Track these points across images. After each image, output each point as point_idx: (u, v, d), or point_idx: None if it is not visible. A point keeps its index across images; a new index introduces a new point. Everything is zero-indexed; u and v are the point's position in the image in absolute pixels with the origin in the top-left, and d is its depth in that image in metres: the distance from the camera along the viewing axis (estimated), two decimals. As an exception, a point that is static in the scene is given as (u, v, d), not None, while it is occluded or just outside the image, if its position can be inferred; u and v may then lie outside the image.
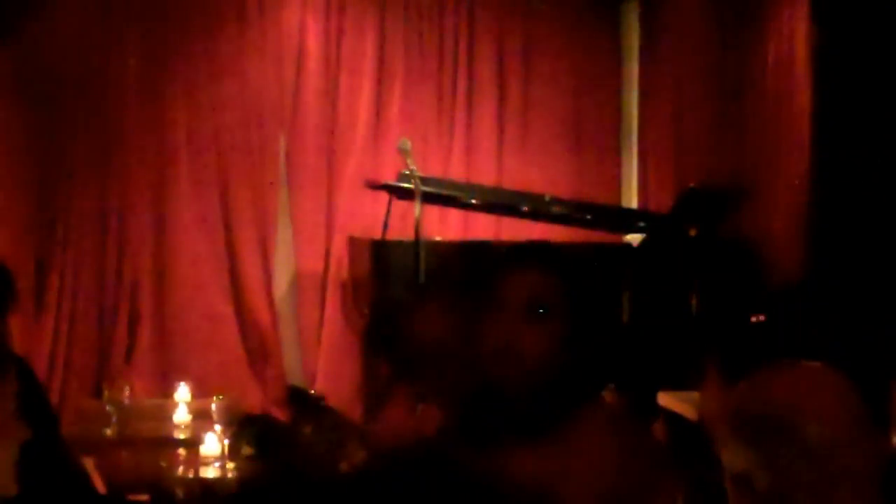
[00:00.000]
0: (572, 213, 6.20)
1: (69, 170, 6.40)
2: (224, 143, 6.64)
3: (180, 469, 4.10)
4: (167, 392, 5.30)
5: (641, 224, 6.33)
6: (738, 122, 5.77)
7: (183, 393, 4.90)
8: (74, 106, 6.40)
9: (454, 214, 6.69)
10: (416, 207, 5.19)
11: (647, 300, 5.65)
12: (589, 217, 6.25)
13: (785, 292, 4.57)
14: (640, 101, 7.06)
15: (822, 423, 1.55)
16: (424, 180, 5.48)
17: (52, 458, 3.13)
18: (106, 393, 4.72)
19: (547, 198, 6.17)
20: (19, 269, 5.76)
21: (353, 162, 6.75)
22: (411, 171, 5.27)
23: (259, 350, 6.63)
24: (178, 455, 4.34)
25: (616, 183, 7.17)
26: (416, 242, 5.17)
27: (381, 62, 6.84)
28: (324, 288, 6.72)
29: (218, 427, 4.21)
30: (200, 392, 5.02)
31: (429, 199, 5.66)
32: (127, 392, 4.74)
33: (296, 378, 6.69)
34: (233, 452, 4.03)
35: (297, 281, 6.81)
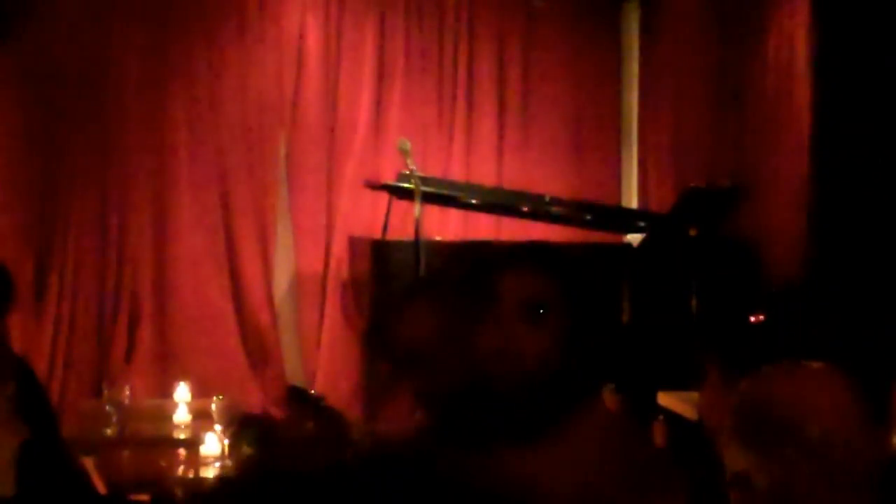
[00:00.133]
0: (572, 213, 6.20)
1: (69, 170, 6.40)
2: (224, 142, 6.63)
3: (180, 469, 4.10)
4: (167, 392, 5.30)
5: (641, 224, 6.33)
6: (738, 121, 5.77)
7: (183, 393, 4.89)
8: (74, 106, 6.40)
9: (454, 214, 6.69)
10: (416, 207, 5.19)
11: (647, 300, 5.65)
12: (589, 217, 6.25)
13: (785, 292, 4.57)
14: (640, 101, 7.06)
15: (824, 422, 1.55)
16: (424, 180, 5.48)
17: (51, 458, 3.13)
18: (106, 393, 4.72)
19: (547, 198, 6.17)
20: (19, 269, 5.77)
21: (353, 162, 6.75)
22: (411, 171, 5.27)
23: (259, 350, 6.63)
24: (178, 455, 4.34)
25: (616, 183, 7.17)
26: (416, 242, 5.17)
27: (381, 62, 6.84)
28: (324, 288, 6.72)
29: (218, 427, 4.20)
30: (200, 392, 5.01)
31: (429, 199, 5.66)
32: (127, 392, 4.73)
33: (296, 378, 6.69)
34: (233, 452, 4.02)
35: (297, 281, 6.81)
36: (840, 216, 4.80)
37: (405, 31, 6.87)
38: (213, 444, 4.04)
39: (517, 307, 2.02)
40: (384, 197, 5.98)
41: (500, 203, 6.32)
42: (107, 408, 4.53)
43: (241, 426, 4.23)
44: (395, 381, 2.38)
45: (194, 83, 6.60)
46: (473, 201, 6.27)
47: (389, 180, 5.94)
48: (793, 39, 5.22)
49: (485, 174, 6.90)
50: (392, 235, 5.93)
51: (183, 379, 5.06)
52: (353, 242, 6.53)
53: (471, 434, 2.08)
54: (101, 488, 3.63)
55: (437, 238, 6.32)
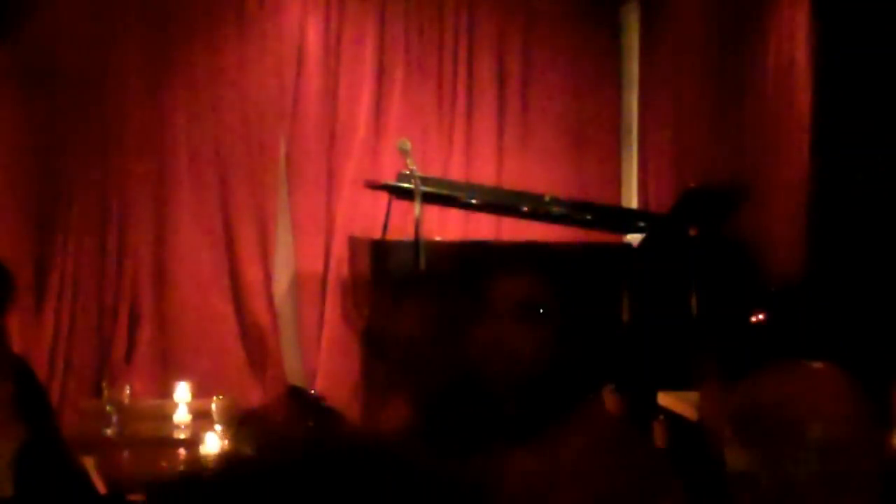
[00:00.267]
0: (572, 213, 6.20)
1: (69, 170, 6.40)
2: (224, 143, 6.63)
3: (180, 469, 4.10)
4: (167, 392, 5.30)
5: (641, 224, 6.33)
6: (737, 122, 5.77)
7: (183, 393, 4.90)
8: (74, 106, 6.40)
9: (454, 214, 6.68)
10: (416, 207, 5.19)
11: (647, 300, 5.65)
12: (589, 217, 6.25)
13: (785, 292, 4.57)
14: (640, 101, 7.06)
15: (826, 422, 1.55)
16: (424, 180, 5.48)
17: (51, 458, 3.13)
18: (106, 393, 4.72)
19: (547, 198, 6.16)
20: (19, 268, 5.76)
21: (353, 162, 6.75)
22: (411, 171, 5.27)
23: (259, 350, 6.63)
24: (178, 455, 4.34)
25: (616, 183, 7.16)
26: (416, 242, 5.17)
27: (381, 62, 6.84)
28: (324, 288, 6.72)
29: (218, 427, 4.20)
30: (200, 392, 5.02)
31: (429, 199, 5.66)
32: (127, 392, 4.74)
33: (296, 378, 6.69)
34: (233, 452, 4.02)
35: (297, 281, 6.81)
36: (840, 216, 4.80)
37: (405, 31, 6.87)
38: (213, 444, 4.04)
39: (510, 307, 2.02)
40: (384, 197, 5.98)
41: (500, 203, 6.32)
42: (107, 408, 4.54)
43: (241, 425, 4.23)
44: (389, 380, 2.38)
45: (194, 83, 6.60)
46: (473, 201, 6.27)
47: (389, 180, 5.94)
48: (793, 39, 5.22)
49: (485, 174, 6.90)
50: (392, 235, 5.93)
51: (183, 379, 5.06)
52: (353, 242, 6.53)
53: (464, 433, 2.08)
54: (101, 488, 3.63)
55: (437, 238, 6.32)
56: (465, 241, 6.52)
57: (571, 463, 1.96)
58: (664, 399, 4.50)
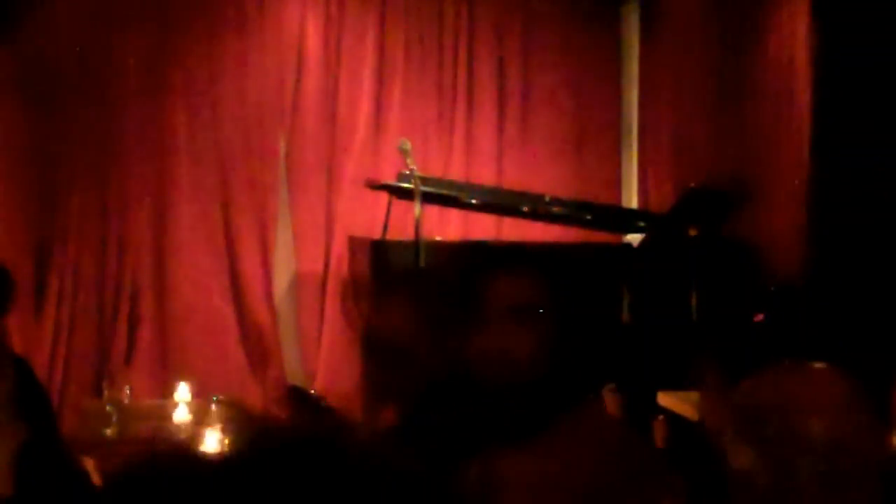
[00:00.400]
0: (572, 213, 6.20)
1: (69, 170, 6.40)
2: (224, 143, 6.63)
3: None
4: (167, 392, 5.30)
5: (641, 224, 6.33)
6: (738, 122, 5.77)
7: (183, 393, 4.90)
8: (75, 106, 6.40)
9: (454, 214, 6.69)
10: (416, 207, 5.18)
11: (647, 300, 5.65)
12: (589, 217, 6.25)
13: (785, 292, 4.57)
14: (640, 101, 7.06)
15: (826, 422, 1.55)
16: (424, 180, 5.48)
17: (51, 457, 3.13)
18: (106, 393, 4.72)
19: (547, 198, 6.17)
20: (19, 269, 5.76)
21: (353, 162, 6.75)
22: (411, 171, 5.27)
23: (259, 350, 6.63)
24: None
25: (616, 183, 7.17)
26: (417, 242, 5.17)
27: (381, 62, 6.84)
28: (324, 288, 6.72)
29: (218, 427, 4.20)
30: (200, 392, 5.02)
31: (429, 199, 5.66)
32: (127, 392, 4.74)
33: (296, 378, 6.68)
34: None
35: (297, 281, 6.81)
36: (840, 216, 4.80)
37: (405, 31, 6.87)
38: (213, 444, 4.04)
39: (510, 307, 2.02)
40: (384, 197, 5.98)
41: (500, 203, 6.32)
42: (107, 408, 4.53)
43: (241, 425, 4.22)
44: (387, 380, 2.38)
45: (194, 83, 6.60)
46: (473, 201, 6.27)
47: (389, 180, 5.94)
48: (793, 39, 5.22)
49: (485, 174, 6.90)
50: (392, 235, 5.93)
51: (183, 379, 5.06)
52: (353, 242, 6.53)
53: (464, 434, 2.08)
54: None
55: (437, 238, 6.32)
56: (465, 241, 6.52)
57: (571, 463, 1.96)
58: (664, 399, 4.51)
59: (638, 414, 4.68)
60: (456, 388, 2.15)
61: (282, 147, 6.76)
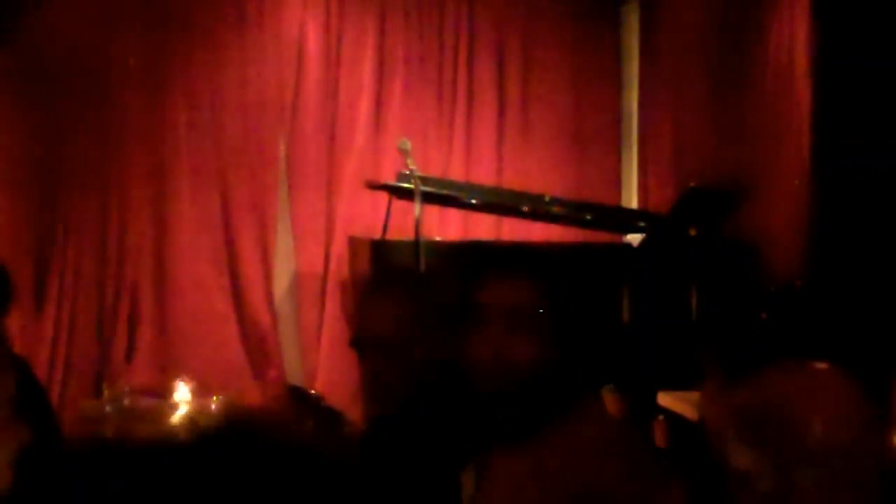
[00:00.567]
0: (572, 213, 6.20)
1: (69, 170, 6.40)
2: (224, 143, 6.64)
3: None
4: (167, 392, 5.30)
5: (641, 224, 6.33)
6: (737, 121, 5.77)
7: (183, 393, 4.89)
8: (75, 106, 6.40)
9: (454, 214, 6.69)
10: (416, 207, 5.18)
11: (647, 300, 5.65)
12: (589, 217, 6.25)
13: (785, 292, 4.57)
14: (640, 100, 7.06)
15: (827, 422, 1.54)
16: (424, 180, 5.48)
17: (51, 458, 3.13)
18: (106, 393, 4.72)
19: (547, 198, 6.16)
20: (19, 269, 5.77)
21: (353, 162, 6.75)
22: (411, 171, 5.27)
23: (259, 350, 6.63)
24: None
25: (616, 183, 7.17)
26: (416, 242, 5.16)
27: (381, 62, 6.84)
28: (324, 288, 6.72)
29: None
30: (200, 392, 5.01)
31: (429, 199, 5.65)
32: (127, 392, 4.73)
33: (296, 378, 6.69)
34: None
35: (297, 281, 6.81)
36: (840, 216, 4.80)
37: (405, 31, 6.88)
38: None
39: (510, 307, 2.01)
40: (384, 197, 5.98)
41: (500, 203, 6.32)
42: (107, 408, 4.53)
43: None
44: (385, 380, 2.38)
45: (194, 83, 6.60)
46: (473, 201, 6.27)
47: (389, 180, 5.94)
48: (793, 39, 5.22)
49: (485, 174, 6.90)
50: (392, 235, 5.93)
51: (183, 379, 5.06)
52: (353, 242, 6.53)
53: (463, 434, 2.08)
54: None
55: (437, 238, 6.32)
56: (465, 241, 6.52)
57: (570, 463, 1.96)
58: (664, 399, 4.50)
59: (638, 414, 4.68)
60: (455, 388, 2.15)
61: (282, 147, 6.77)
